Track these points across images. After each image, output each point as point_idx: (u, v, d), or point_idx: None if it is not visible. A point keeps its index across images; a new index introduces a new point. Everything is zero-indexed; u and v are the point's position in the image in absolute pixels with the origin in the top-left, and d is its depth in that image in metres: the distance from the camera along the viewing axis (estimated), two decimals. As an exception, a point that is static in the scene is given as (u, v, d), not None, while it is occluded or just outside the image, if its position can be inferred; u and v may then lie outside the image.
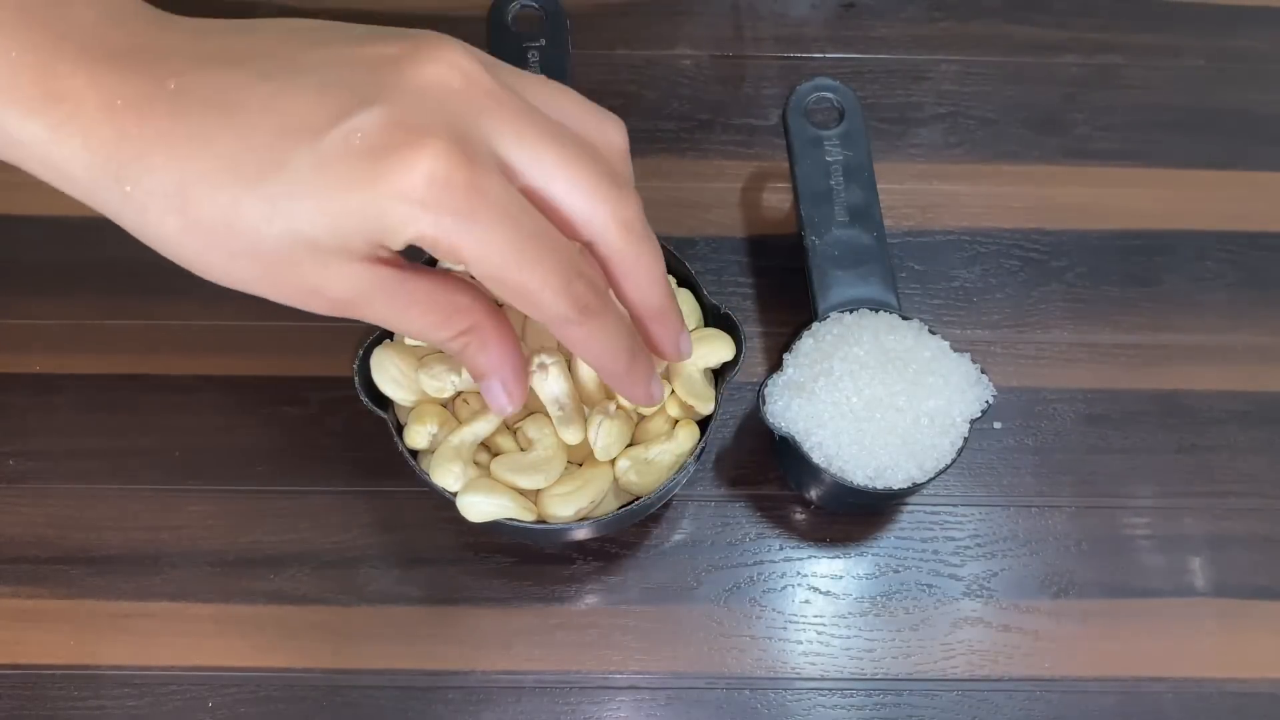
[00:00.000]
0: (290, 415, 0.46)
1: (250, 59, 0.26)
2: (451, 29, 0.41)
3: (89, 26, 0.26)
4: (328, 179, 0.25)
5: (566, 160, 0.28)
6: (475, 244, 0.26)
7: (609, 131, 0.31)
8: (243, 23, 0.28)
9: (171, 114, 0.25)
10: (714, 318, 0.42)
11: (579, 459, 0.40)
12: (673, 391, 0.40)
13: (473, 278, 0.28)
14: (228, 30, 0.27)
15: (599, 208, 0.28)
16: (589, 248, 0.29)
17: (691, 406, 0.40)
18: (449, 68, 0.27)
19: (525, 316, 0.40)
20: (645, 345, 0.33)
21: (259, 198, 0.25)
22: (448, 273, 0.29)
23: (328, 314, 0.27)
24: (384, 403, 0.40)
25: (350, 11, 0.30)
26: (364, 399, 0.39)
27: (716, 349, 0.40)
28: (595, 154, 0.29)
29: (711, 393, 0.40)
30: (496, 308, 0.30)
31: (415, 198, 0.25)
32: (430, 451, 0.39)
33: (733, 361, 0.40)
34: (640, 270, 0.30)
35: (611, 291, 0.30)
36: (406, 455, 0.39)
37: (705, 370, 0.41)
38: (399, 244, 0.26)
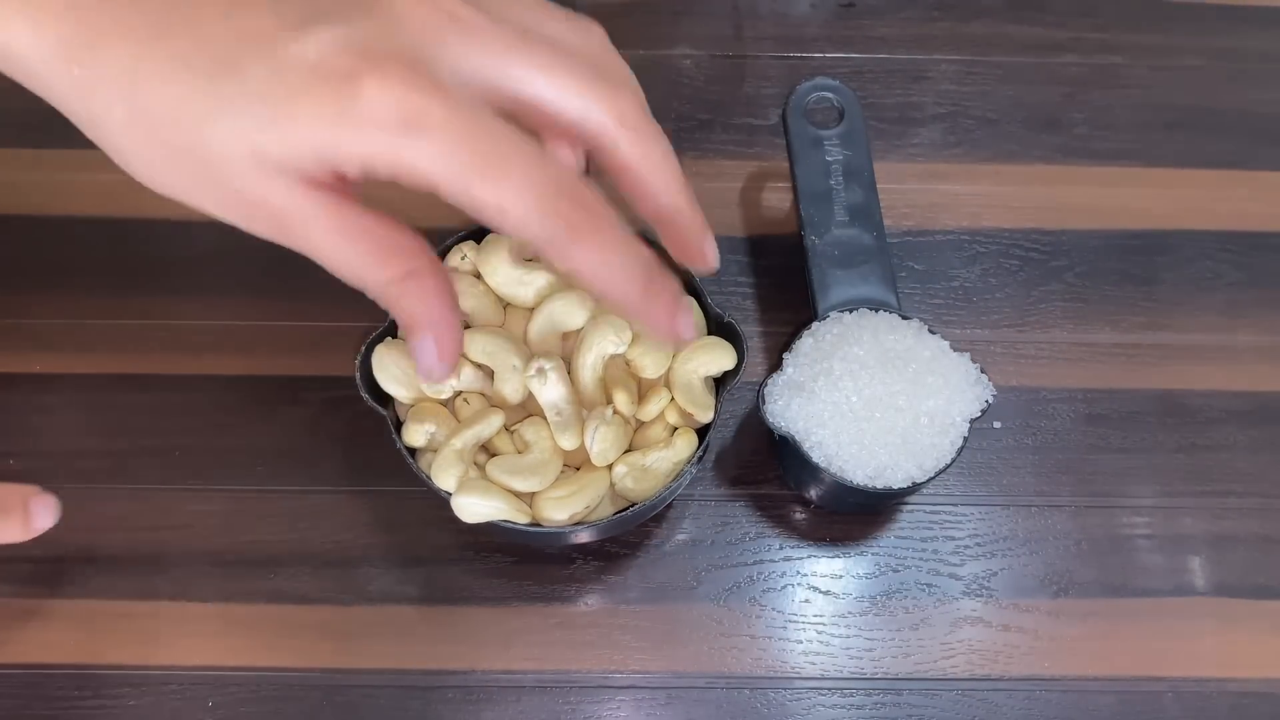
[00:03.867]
0: (290, 415, 0.46)
1: None
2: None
3: None
4: (282, 89, 0.24)
5: (543, 65, 0.27)
6: (434, 167, 0.25)
7: (591, 38, 0.30)
8: None
9: (130, 6, 0.25)
10: (716, 326, 0.42)
11: (576, 463, 0.40)
12: (672, 399, 0.40)
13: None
14: None
15: (589, 105, 0.27)
16: (594, 153, 0.28)
17: (691, 414, 0.40)
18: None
19: (527, 321, 0.40)
20: (677, 256, 0.31)
21: (210, 94, 0.25)
22: (393, 217, 0.27)
23: (266, 235, 0.26)
24: (385, 400, 0.40)
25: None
26: (365, 396, 0.39)
27: (718, 357, 0.40)
28: (576, 55, 0.28)
29: (711, 401, 0.40)
30: (439, 262, 0.29)
31: (368, 117, 0.24)
32: (429, 450, 0.39)
33: (733, 371, 0.40)
34: (648, 164, 0.28)
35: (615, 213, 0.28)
36: (405, 453, 0.39)
37: (706, 378, 0.41)
38: (353, 164, 0.25)
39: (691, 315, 0.30)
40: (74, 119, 0.26)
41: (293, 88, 0.24)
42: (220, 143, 0.25)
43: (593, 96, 0.27)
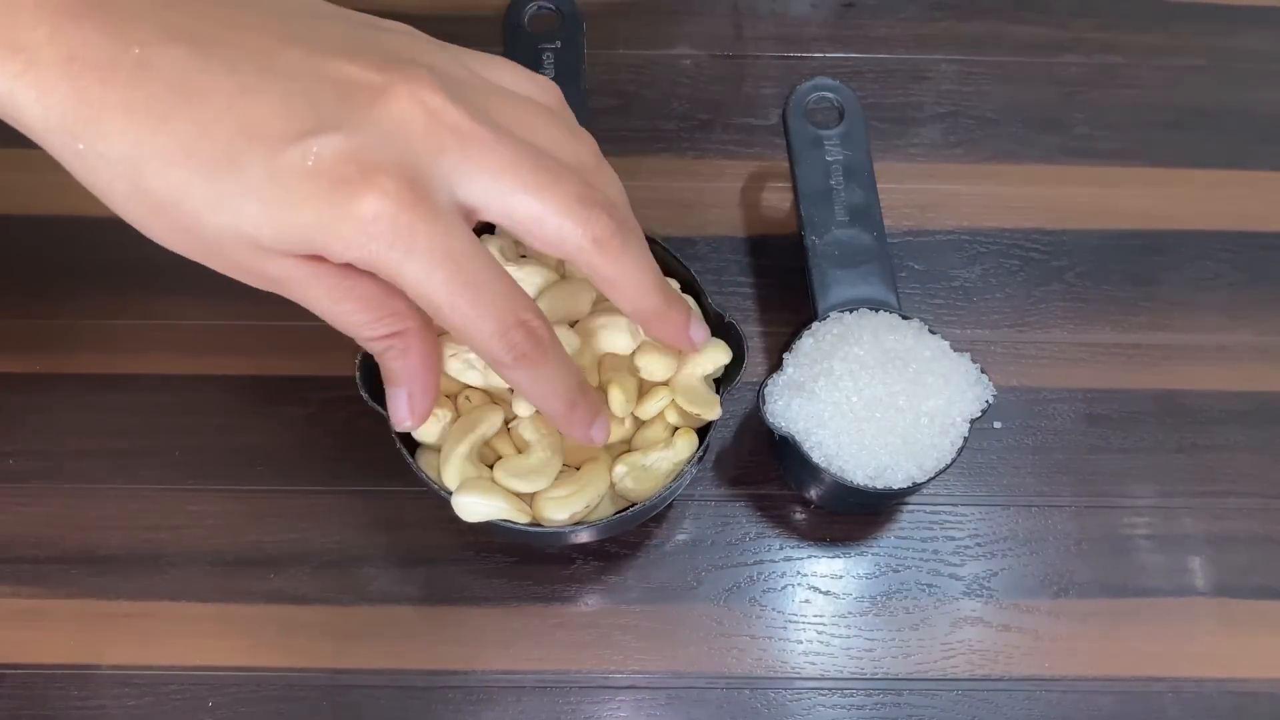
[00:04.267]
0: (290, 415, 0.46)
1: (220, 44, 0.26)
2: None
3: None
4: (277, 192, 0.26)
5: (529, 187, 0.29)
6: (412, 280, 0.27)
7: (582, 148, 0.32)
8: None
9: (131, 83, 0.25)
10: (717, 326, 0.41)
11: (576, 463, 0.40)
12: (672, 400, 0.40)
13: None
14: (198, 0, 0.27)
15: (567, 231, 0.29)
16: (571, 265, 0.30)
17: (696, 414, 0.39)
18: (416, 106, 0.27)
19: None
20: (664, 343, 0.35)
21: (208, 188, 0.26)
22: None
23: (266, 290, 0.28)
24: (384, 400, 0.40)
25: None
26: (365, 396, 0.39)
27: (714, 356, 0.40)
28: (562, 173, 0.29)
29: (716, 397, 0.40)
30: (429, 321, 0.31)
31: (359, 229, 0.26)
32: (429, 449, 0.39)
33: (734, 370, 0.40)
34: (622, 282, 0.31)
35: (556, 338, 0.31)
36: (405, 453, 0.39)
37: (705, 378, 0.41)
38: (337, 261, 0.27)
39: (608, 423, 0.35)
40: (79, 178, 0.27)
41: (290, 192, 0.26)
42: (218, 230, 0.26)
43: (571, 220, 0.29)
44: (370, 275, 0.28)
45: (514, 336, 0.29)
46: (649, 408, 0.39)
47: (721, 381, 0.41)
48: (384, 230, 0.26)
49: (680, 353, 0.39)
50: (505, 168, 0.28)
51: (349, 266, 0.28)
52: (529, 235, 0.29)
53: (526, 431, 0.39)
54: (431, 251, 0.27)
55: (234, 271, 0.28)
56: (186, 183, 0.26)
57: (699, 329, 0.35)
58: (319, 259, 0.27)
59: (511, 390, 0.40)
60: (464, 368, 0.38)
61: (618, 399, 0.39)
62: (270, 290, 0.28)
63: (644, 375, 0.40)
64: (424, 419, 0.32)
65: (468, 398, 0.39)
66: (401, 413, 0.32)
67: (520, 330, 0.29)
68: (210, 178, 0.26)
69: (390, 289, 0.29)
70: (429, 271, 0.27)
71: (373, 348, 0.30)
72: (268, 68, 0.26)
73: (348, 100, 0.27)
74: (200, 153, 0.25)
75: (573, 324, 0.40)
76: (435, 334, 0.31)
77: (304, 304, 0.28)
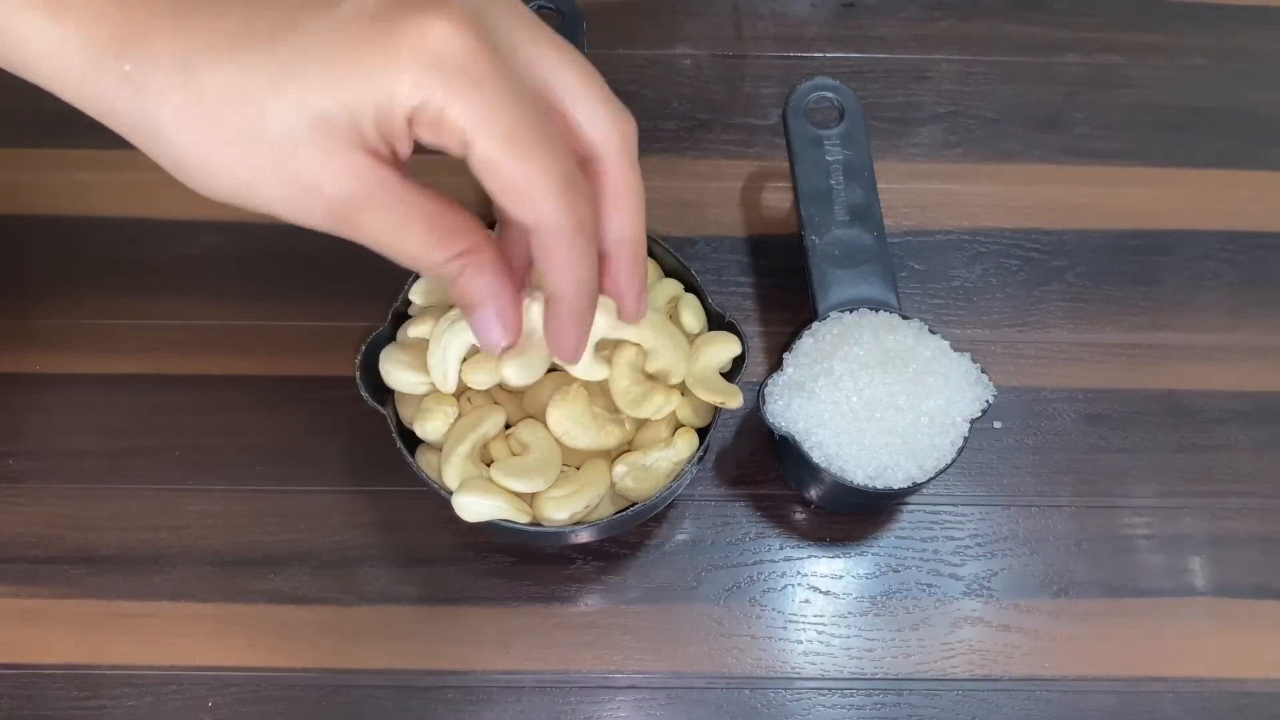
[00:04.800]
0: (290, 415, 0.46)
1: None
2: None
3: None
4: (337, 44, 0.24)
5: (579, 70, 0.27)
6: (481, 112, 0.24)
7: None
8: None
9: None
10: (718, 325, 0.42)
11: (576, 463, 0.40)
12: (682, 394, 0.40)
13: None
14: None
15: (609, 123, 0.28)
16: (586, 164, 0.29)
17: (719, 403, 0.39)
18: None
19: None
20: (612, 287, 0.31)
21: (268, 65, 0.24)
22: (446, 194, 0.27)
23: (322, 224, 0.26)
24: (384, 400, 0.40)
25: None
26: (365, 395, 0.39)
27: (726, 347, 0.40)
28: (599, 76, 0.28)
29: (735, 388, 0.39)
30: (492, 235, 0.29)
31: (424, 58, 0.24)
32: (431, 449, 0.39)
33: (735, 370, 0.40)
34: (633, 197, 0.29)
35: None
36: (405, 453, 0.39)
37: (718, 370, 0.41)
38: (404, 110, 0.25)
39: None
40: (121, 122, 0.25)
41: (352, 38, 0.24)
42: (280, 116, 0.24)
43: (617, 120, 0.28)
44: (430, 192, 0.27)
45: (577, 202, 0.26)
46: (662, 407, 0.39)
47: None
48: (453, 55, 0.24)
49: (690, 356, 0.39)
50: (553, 44, 0.27)
51: (410, 181, 0.26)
52: (563, 115, 0.28)
53: (525, 434, 0.39)
54: (499, 84, 0.24)
55: (294, 193, 0.25)
56: (244, 69, 0.24)
57: (645, 298, 0.33)
58: (383, 160, 0.25)
59: (510, 391, 0.40)
60: (471, 368, 0.38)
61: (656, 402, 0.39)
62: (330, 228, 0.26)
63: (659, 378, 0.39)
64: (517, 335, 0.30)
65: (469, 399, 0.39)
66: (495, 334, 0.29)
67: (582, 196, 0.26)
68: (267, 53, 0.24)
69: (451, 205, 0.27)
70: (495, 115, 0.24)
71: (446, 272, 0.28)
72: None
73: None
74: (258, 28, 0.24)
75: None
76: (502, 250, 0.29)
77: (365, 234, 0.26)
